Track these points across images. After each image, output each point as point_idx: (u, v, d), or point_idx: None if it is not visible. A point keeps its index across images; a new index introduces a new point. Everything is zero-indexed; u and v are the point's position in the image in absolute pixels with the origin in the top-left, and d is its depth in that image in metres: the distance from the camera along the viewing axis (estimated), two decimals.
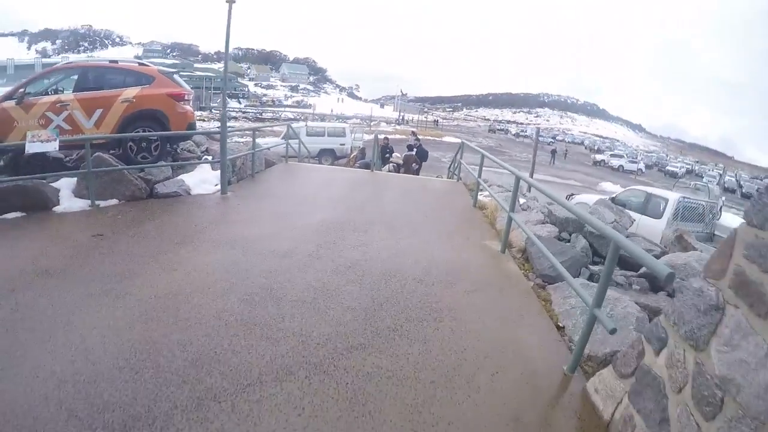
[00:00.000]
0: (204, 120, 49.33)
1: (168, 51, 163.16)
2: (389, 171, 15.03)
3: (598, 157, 52.92)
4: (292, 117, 63.77)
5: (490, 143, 52.86)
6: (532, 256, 5.72)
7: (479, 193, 9.48)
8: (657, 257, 5.45)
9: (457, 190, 11.25)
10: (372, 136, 21.24)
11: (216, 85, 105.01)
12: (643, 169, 49.40)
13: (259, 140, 18.67)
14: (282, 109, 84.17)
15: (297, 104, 69.06)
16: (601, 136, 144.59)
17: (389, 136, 39.85)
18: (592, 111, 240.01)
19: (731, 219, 12.87)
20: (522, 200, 10.28)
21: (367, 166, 14.72)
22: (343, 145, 21.42)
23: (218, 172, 8.53)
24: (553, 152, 46.47)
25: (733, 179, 63.79)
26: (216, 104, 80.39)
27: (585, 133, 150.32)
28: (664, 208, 11.48)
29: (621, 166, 48.01)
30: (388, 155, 16.65)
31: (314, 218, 7.05)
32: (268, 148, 14.32)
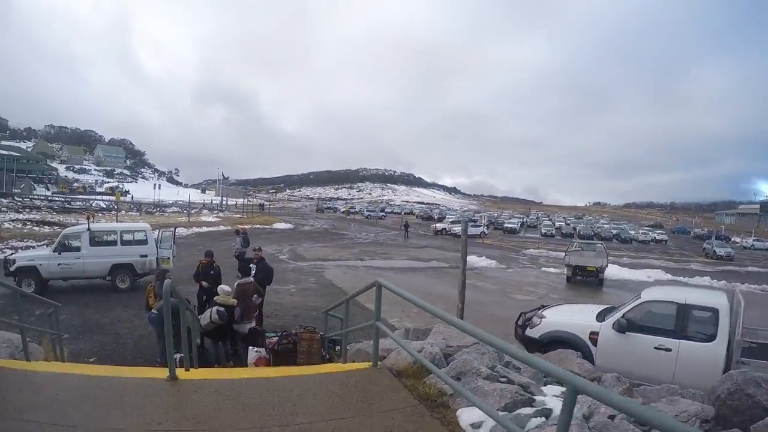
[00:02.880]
0: (4, 210, 42.64)
1: None
2: (209, 325, 8.85)
3: (439, 225, 52.51)
4: (105, 207, 58.57)
5: (324, 224, 53.09)
6: None
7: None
8: None
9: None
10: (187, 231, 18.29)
11: (21, 167, 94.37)
12: (486, 231, 49.57)
13: (21, 254, 15.92)
14: (94, 197, 76.40)
15: (111, 191, 63.43)
16: (423, 203, 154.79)
17: (207, 229, 37.23)
18: (410, 180, 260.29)
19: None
20: None
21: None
22: (145, 256, 15.95)
23: None
24: (406, 226, 47.07)
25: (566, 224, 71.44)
26: (19, 190, 71.82)
27: (407, 201, 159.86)
28: (717, 323, 7.44)
29: None
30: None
31: None
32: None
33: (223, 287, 9.53)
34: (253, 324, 9.96)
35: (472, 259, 27.17)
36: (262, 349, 8.98)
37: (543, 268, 26.60)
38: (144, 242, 16.25)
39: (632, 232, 64.53)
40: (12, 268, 14.31)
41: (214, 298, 9.24)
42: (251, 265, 11.29)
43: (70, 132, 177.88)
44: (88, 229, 15.59)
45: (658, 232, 68.57)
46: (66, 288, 15.65)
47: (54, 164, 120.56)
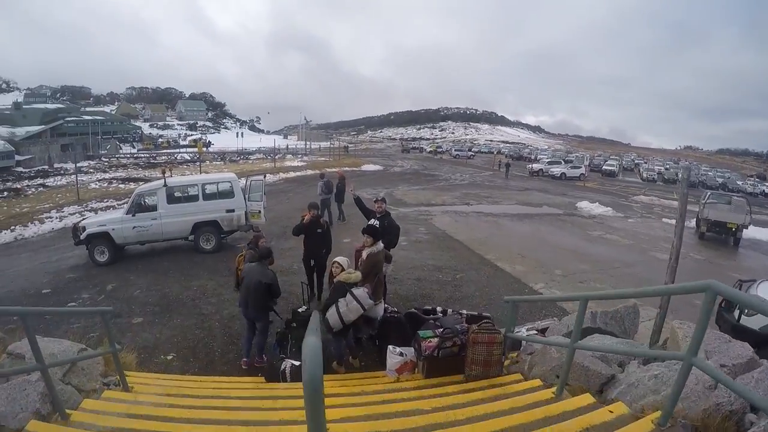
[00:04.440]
0: (88, 172, 42.57)
1: (57, 95, 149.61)
2: (338, 325, 6.01)
3: (535, 166, 47.94)
4: (189, 158, 58.11)
5: (413, 165, 49.70)
6: None
7: None
8: None
9: None
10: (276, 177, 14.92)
11: (106, 129, 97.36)
12: (585, 174, 44.88)
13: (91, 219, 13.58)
14: (178, 150, 76.94)
15: (194, 143, 62.98)
16: (508, 142, 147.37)
17: (294, 174, 34.80)
18: (493, 119, 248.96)
19: None
20: None
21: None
22: (232, 211, 13.52)
23: None
24: (507, 165, 43.93)
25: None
26: (106, 151, 73.54)
27: (491, 140, 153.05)
28: None
29: (563, 173, 43.70)
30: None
31: None
32: None
33: (342, 259, 6.61)
34: (385, 306, 6.87)
35: (585, 205, 24.52)
36: (407, 350, 5.94)
37: (663, 219, 22.75)
38: (230, 194, 13.61)
39: (740, 183, 55.81)
40: (82, 236, 12.18)
41: (337, 278, 6.25)
42: (372, 221, 8.20)
43: (151, 92, 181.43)
44: (164, 184, 12.97)
45: (767, 184, 59.03)
46: (144, 252, 13.47)
47: (138, 123, 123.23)
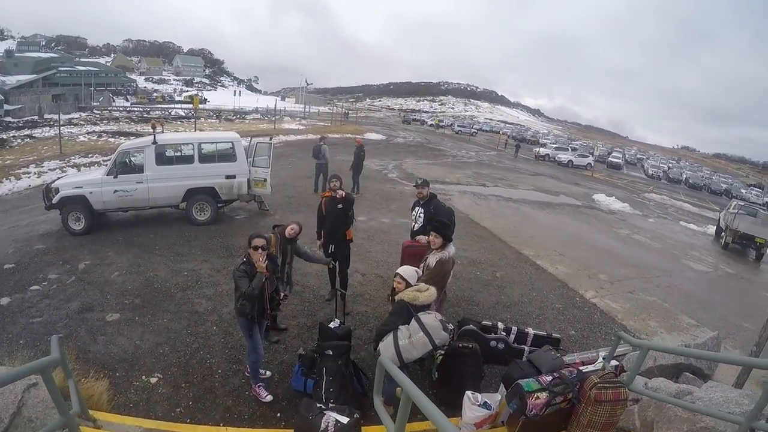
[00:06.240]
0: (79, 124, 40.16)
1: (52, 44, 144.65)
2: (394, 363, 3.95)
3: (542, 151, 46.02)
4: (184, 114, 55.61)
5: (416, 137, 47.54)
6: None
7: None
8: None
9: None
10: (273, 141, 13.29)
11: (99, 81, 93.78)
12: (592, 164, 43.27)
13: (65, 179, 11.29)
14: (172, 105, 74.02)
15: (190, 99, 60.24)
16: (507, 122, 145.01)
17: (295, 137, 32.90)
18: (493, 98, 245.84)
19: None
20: None
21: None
22: (233, 177, 11.44)
23: None
24: (517, 147, 43.60)
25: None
26: (98, 103, 70.63)
27: (491, 119, 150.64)
28: None
29: (570, 161, 42.04)
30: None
31: None
32: None
33: (407, 271, 4.60)
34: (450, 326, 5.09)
35: (602, 198, 23.33)
36: (492, 398, 4.22)
37: (681, 222, 21.78)
38: (231, 157, 11.48)
39: (743, 191, 53.49)
40: (55, 200, 10.14)
41: (399, 296, 4.41)
42: (417, 209, 6.38)
43: (148, 45, 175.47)
44: (154, 141, 10.74)
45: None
46: (128, 220, 11.55)
47: (133, 76, 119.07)
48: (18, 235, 10.28)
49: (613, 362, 5.22)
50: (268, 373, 5.34)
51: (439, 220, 5.30)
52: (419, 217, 6.45)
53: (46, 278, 7.80)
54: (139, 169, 10.70)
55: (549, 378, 4.19)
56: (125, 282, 7.69)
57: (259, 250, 4.61)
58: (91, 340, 5.91)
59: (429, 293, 4.33)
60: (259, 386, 5.01)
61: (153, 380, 5.17)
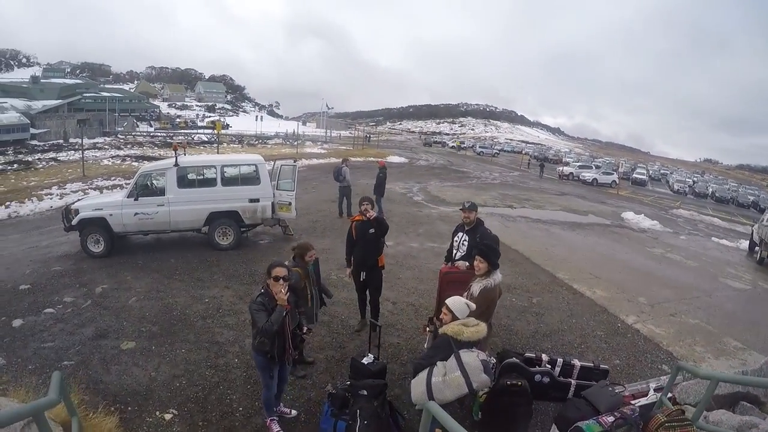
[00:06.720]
0: (103, 148, 40.85)
1: (77, 71, 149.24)
2: (421, 400, 3.67)
3: (566, 169, 45.44)
4: (207, 139, 56.41)
5: (438, 160, 47.27)
6: None
7: None
8: None
9: None
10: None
11: (123, 106, 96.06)
12: (617, 181, 42.10)
13: (85, 201, 11.10)
14: (195, 130, 75.08)
15: (212, 124, 60.89)
16: (528, 142, 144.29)
17: (318, 161, 33.01)
18: (512, 118, 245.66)
19: None
20: None
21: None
22: (257, 200, 11.08)
23: None
24: (542, 166, 42.52)
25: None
26: (122, 128, 72.00)
27: (512, 139, 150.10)
28: None
29: (595, 179, 41.23)
30: None
31: None
32: None
33: (456, 303, 4.06)
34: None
35: (631, 216, 22.27)
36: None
37: (713, 238, 20.53)
38: (255, 180, 11.16)
39: None
40: (74, 221, 9.94)
41: (443, 329, 3.90)
42: (461, 235, 5.91)
43: (171, 72, 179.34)
44: (176, 164, 10.54)
45: None
46: (148, 243, 11.29)
47: (156, 103, 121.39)
48: (36, 256, 10.10)
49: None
50: (294, 412, 4.86)
51: (486, 243, 4.81)
52: (463, 244, 5.85)
53: (62, 301, 7.50)
54: (161, 191, 10.46)
55: (611, 419, 3.65)
56: (143, 308, 7.33)
57: (281, 281, 4.15)
58: (104, 369, 5.53)
59: (476, 330, 3.81)
60: (272, 420, 4.56)
61: (167, 417, 4.74)
